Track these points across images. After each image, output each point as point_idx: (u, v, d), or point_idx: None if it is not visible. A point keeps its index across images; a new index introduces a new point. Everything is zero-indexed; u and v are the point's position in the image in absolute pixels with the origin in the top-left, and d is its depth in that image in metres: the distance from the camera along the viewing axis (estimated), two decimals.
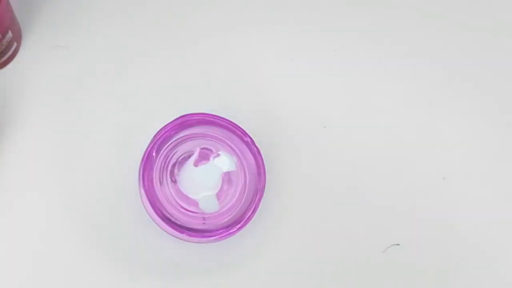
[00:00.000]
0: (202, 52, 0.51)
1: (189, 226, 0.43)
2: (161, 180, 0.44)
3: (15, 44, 0.48)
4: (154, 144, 0.43)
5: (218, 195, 0.44)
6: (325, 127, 0.50)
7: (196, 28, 0.51)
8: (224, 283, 0.46)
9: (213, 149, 0.45)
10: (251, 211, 0.43)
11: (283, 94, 0.50)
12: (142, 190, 0.43)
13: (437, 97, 0.51)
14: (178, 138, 0.45)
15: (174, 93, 0.49)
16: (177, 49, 0.51)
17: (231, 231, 0.43)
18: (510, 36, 0.53)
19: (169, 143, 0.45)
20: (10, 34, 0.46)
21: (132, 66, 0.50)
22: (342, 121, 0.50)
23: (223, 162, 0.43)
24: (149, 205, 0.43)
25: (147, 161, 0.43)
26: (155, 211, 0.43)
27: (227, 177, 0.44)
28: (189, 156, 0.45)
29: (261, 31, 0.52)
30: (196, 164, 0.44)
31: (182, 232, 0.42)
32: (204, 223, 0.42)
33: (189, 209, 0.44)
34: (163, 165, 0.44)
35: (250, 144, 0.44)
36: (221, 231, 0.43)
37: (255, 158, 0.44)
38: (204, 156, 0.45)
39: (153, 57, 0.50)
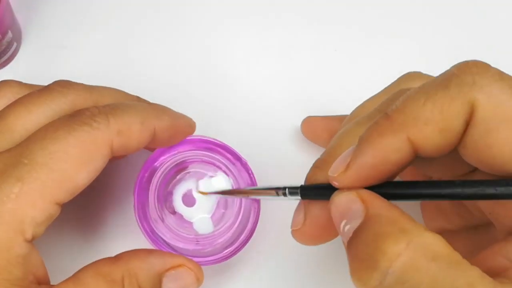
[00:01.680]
0: (202, 52, 0.51)
1: (182, 247, 0.42)
2: (157, 208, 0.42)
3: (15, 44, 0.48)
4: (145, 171, 0.42)
5: (212, 217, 0.43)
6: None
7: (196, 29, 0.51)
8: None
9: (207, 172, 0.43)
10: (246, 233, 0.42)
11: (283, 94, 0.50)
12: (140, 223, 0.42)
13: None
14: (171, 162, 0.43)
15: (174, 92, 0.49)
16: (178, 50, 0.51)
17: (226, 253, 0.42)
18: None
19: (161, 172, 0.43)
20: (10, 34, 0.46)
21: (132, 67, 0.50)
22: None
23: (219, 183, 0.42)
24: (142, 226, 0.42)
25: (140, 189, 0.42)
26: (151, 239, 0.42)
27: (223, 199, 0.43)
28: (185, 175, 0.44)
29: (261, 30, 0.52)
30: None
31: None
32: (197, 243, 0.42)
33: (182, 230, 0.42)
34: (158, 191, 0.43)
35: (244, 164, 0.43)
36: (216, 253, 0.42)
37: (250, 178, 0.43)
38: (200, 177, 0.44)
39: (153, 57, 0.50)
